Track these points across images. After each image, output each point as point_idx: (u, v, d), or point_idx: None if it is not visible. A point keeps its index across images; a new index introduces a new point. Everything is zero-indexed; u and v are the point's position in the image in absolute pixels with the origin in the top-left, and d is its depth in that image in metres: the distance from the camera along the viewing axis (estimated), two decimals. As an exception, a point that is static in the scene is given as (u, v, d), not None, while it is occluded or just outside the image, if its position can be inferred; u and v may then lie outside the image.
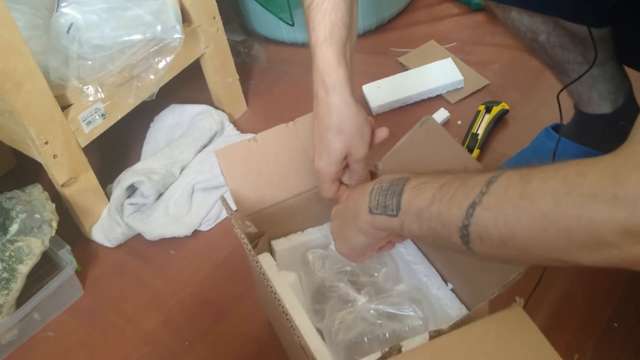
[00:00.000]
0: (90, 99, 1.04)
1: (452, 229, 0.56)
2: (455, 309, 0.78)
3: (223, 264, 1.07)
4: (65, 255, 1.02)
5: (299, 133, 0.87)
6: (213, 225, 1.14)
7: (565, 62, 0.93)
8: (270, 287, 0.72)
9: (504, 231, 0.52)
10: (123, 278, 1.08)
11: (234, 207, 0.85)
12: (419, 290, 0.83)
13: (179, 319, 1.00)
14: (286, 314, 0.69)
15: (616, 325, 0.88)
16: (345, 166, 0.77)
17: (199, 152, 1.19)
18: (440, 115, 1.21)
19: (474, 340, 0.63)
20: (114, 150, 1.28)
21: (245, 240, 0.76)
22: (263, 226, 0.87)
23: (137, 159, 1.24)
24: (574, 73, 0.94)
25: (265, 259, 0.87)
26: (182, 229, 1.10)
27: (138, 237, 1.13)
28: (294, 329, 0.68)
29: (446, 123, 1.23)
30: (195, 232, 1.13)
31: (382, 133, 0.79)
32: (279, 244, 0.91)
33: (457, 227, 0.55)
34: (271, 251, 0.91)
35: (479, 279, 0.73)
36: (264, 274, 0.73)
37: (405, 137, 0.86)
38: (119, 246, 1.13)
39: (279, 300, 0.70)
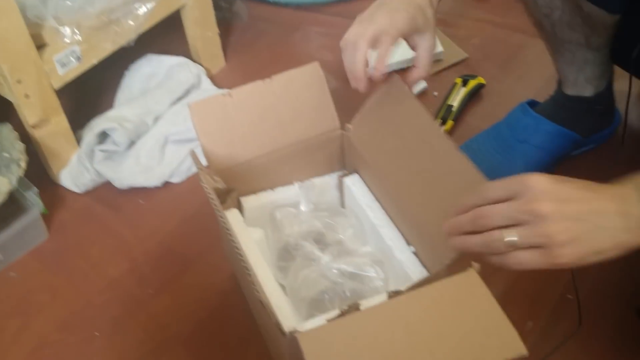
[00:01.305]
0: (67, 40, 1.02)
1: None
2: (416, 272, 0.80)
3: (192, 217, 1.07)
4: (32, 197, 1.01)
5: (275, 90, 0.87)
6: (184, 178, 1.13)
7: (567, 42, 0.95)
8: (234, 242, 0.72)
9: None
10: (89, 224, 1.08)
11: (204, 162, 0.85)
12: (383, 253, 0.85)
13: (145, 267, 1.01)
14: (248, 270, 0.70)
15: (570, 297, 0.91)
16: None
17: (174, 103, 1.18)
18: (418, 85, 1.22)
19: (428, 302, 0.64)
20: (87, 96, 1.26)
21: (212, 195, 0.76)
22: (233, 183, 0.87)
23: (110, 106, 1.22)
24: (569, 53, 0.97)
25: (232, 215, 0.88)
26: (152, 180, 1.10)
27: (107, 185, 1.12)
28: (254, 284, 0.69)
29: (423, 93, 1.24)
30: (166, 184, 1.12)
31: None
32: (248, 201, 0.91)
33: None
34: (240, 208, 0.91)
35: (441, 244, 0.74)
36: (228, 230, 0.73)
37: (373, 97, 0.86)
38: (87, 192, 1.12)
39: (241, 255, 0.71)
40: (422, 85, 1.22)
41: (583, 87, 1.01)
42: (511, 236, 0.55)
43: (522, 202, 0.55)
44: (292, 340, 0.62)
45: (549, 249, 0.54)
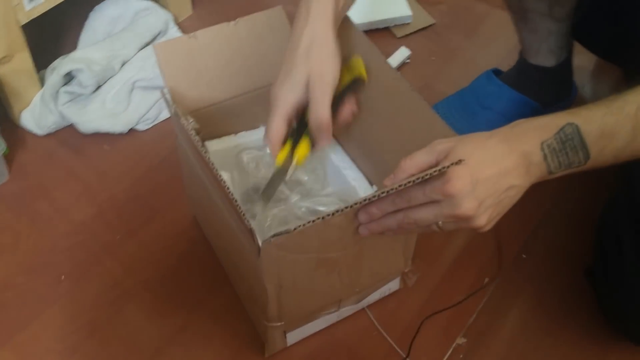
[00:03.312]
0: (34, -26, 0.98)
1: None
2: None
3: (159, 165, 1.06)
4: (-7, 136, 0.98)
5: (240, 33, 0.87)
6: (150, 125, 1.12)
7: (531, 10, 0.98)
8: (214, 169, 0.69)
9: None
10: (52, 167, 1.05)
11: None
12: (347, 192, 0.88)
13: (110, 213, 1.00)
14: (231, 194, 0.67)
15: (524, 256, 0.96)
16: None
17: (141, 49, 1.16)
18: (402, 53, 1.23)
19: None
20: (48, 36, 1.21)
21: (192, 132, 0.75)
22: (199, 126, 0.87)
23: (72, 48, 1.18)
24: (533, 22, 1.00)
25: None
26: (118, 126, 1.08)
27: (70, 129, 1.09)
28: (237, 205, 0.66)
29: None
30: (132, 131, 1.10)
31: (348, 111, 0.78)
32: (212, 145, 0.91)
33: None
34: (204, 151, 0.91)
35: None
36: (209, 158, 0.71)
37: None
38: (50, 135, 1.09)
39: (223, 181, 0.68)
40: (406, 53, 1.23)
41: (545, 57, 1.05)
42: (433, 225, 0.63)
43: (446, 210, 0.61)
44: (266, 245, 0.63)
45: (474, 228, 0.63)
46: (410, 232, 0.66)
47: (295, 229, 0.60)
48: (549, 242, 0.98)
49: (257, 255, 0.67)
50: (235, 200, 0.67)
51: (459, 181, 0.59)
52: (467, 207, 0.60)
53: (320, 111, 0.73)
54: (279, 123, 0.74)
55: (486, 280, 0.93)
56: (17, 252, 0.94)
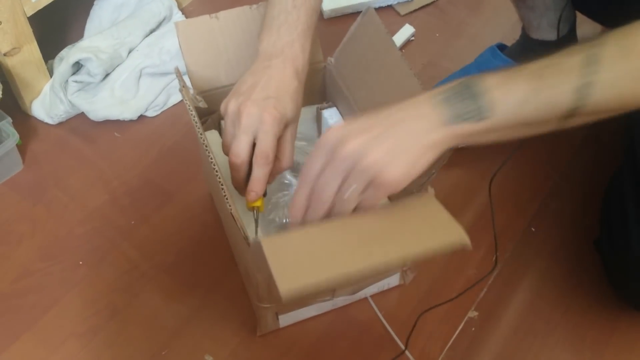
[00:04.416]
0: (39, -35, 0.98)
1: (558, 112, 0.58)
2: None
3: (170, 151, 1.08)
4: (6, 126, 0.99)
5: (261, 17, 0.87)
6: (159, 112, 1.13)
7: None
8: (211, 158, 0.72)
9: (628, 92, 0.57)
10: (65, 155, 1.07)
11: (187, 82, 0.85)
12: None
13: (124, 199, 1.01)
14: (222, 184, 0.69)
15: (533, 229, 0.98)
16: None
17: (147, 36, 1.17)
18: (406, 31, 1.24)
19: (384, 212, 0.65)
20: (55, 26, 1.22)
21: (193, 112, 0.76)
22: (215, 105, 0.88)
23: (79, 37, 1.19)
24: (530, 0, 1.00)
25: (212, 136, 0.90)
26: (128, 112, 1.09)
27: (80, 117, 1.11)
28: (226, 198, 0.68)
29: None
30: (141, 117, 1.12)
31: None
32: None
33: (565, 109, 0.58)
34: (220, 130, 0.93)
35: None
36: (205, 146, 0.73)
37: (351, 30, 0.88)
38: (61, 124, 1.10)
39: (216, 171, 0.70)
40: (410, 30, 1.24)
41: (547, 31, 1.06)
42: (349, 189, 0.59)
43: (334, 157, 0.59)
44: (255, 246, 0.63)
45: (379, 175, 0.58)
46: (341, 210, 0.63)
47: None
48: (558, 215, 0.99)
49: (247, 245, 0.67)
50: (224, 189, 0.68)
51: (332, 129, 0.59)
52: (352, 142, 0.58)
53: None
54: (274, 142, 0.71)
55: (496, 255, 0.95)
56: (34, 239, 0.96)
